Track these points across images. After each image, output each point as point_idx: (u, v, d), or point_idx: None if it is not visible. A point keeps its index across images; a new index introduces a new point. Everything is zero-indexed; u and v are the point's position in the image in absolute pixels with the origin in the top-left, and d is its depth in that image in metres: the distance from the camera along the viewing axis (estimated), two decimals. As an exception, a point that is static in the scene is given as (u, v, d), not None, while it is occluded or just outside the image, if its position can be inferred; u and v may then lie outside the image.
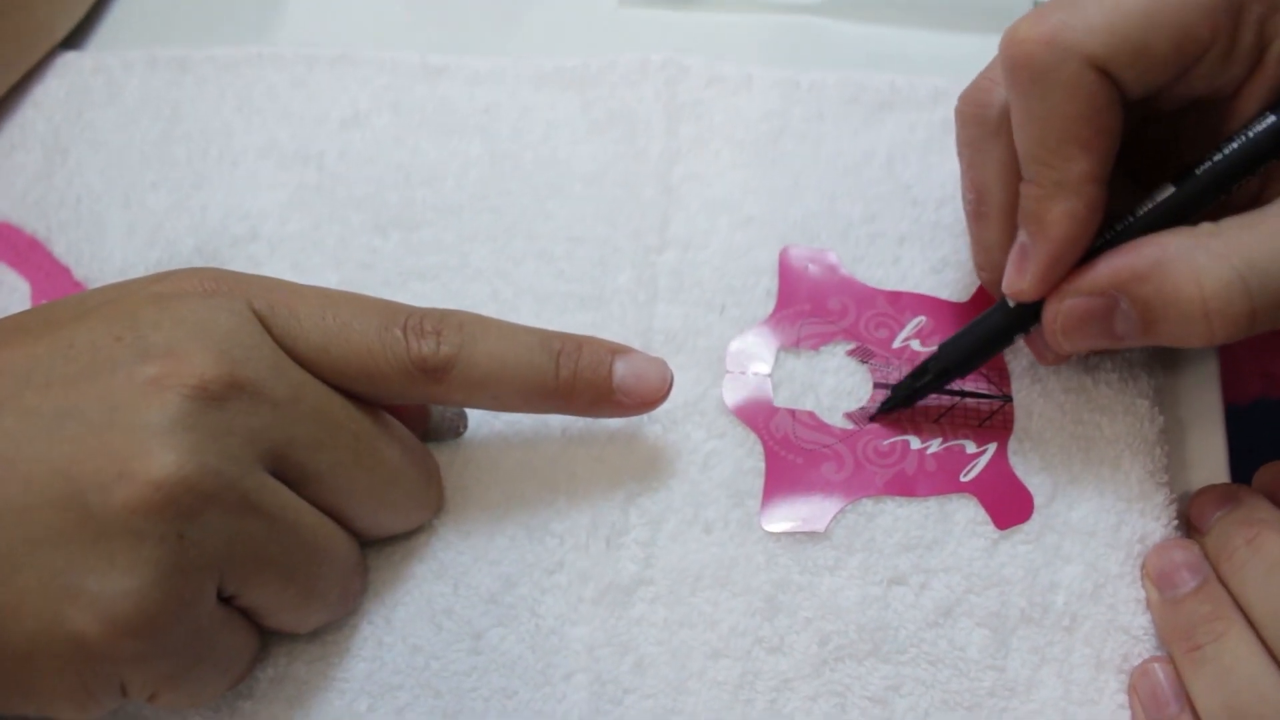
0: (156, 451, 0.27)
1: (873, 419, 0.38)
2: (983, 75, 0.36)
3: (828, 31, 0.47)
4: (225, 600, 0.30)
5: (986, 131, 0.35)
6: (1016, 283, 0.34)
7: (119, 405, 0.28)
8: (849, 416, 0.38)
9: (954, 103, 0.43)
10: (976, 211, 0.36)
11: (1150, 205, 0.33)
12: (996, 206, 0.35)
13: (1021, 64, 0.32)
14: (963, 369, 0.37)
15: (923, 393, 0.37)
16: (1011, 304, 0.35)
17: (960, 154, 0.37)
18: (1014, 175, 0.34)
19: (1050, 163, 0.32)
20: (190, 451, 0.28)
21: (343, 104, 0.44)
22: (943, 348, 0.37)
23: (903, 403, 0.37)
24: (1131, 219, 0.33)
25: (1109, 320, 0.33)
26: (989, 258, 0.36)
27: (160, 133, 0.45)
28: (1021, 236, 0.33)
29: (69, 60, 0.47)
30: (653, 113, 0.43)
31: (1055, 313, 0.33)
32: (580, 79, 0.44)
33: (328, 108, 0.44)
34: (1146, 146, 0.35)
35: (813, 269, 0.40)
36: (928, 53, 0.47)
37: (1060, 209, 0.32)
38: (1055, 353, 0.36)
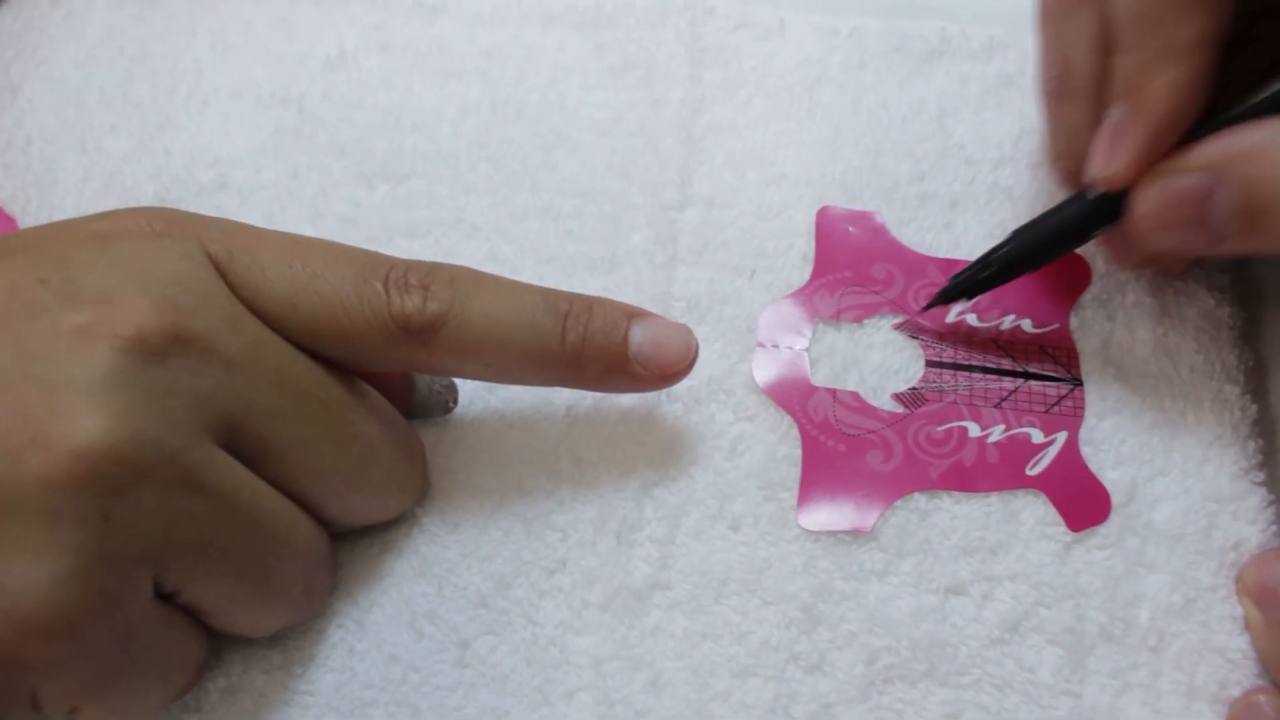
0: (80, 413, 0.23)
1: (924, 309, 0.34)
2: None
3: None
4: (165, 597, 0.26)
5: None
6: (1106, 165, 0.30)
7: (37, 357, 0.24)
8: (898, 398, 0.33)
9: (1011, 55, 0.40)
10: (1060, 89, 0.33)
11: (1263, 95, 0.29)
12: (1084, 81, 0.32)
13: None
14: (1033, 262, 0.33)
15: (986, 285, 0.33)
16: (1093, 194, 0.31)
17: (1042, 25, 0.34)
18: (1105, 46, 0.31)
19: (1158, 23, 0.29)
20: (121, 414, 0.24)
21: (327, 43, 0.40)
22: (1015, 234, 0.33)
23: (962, 293, 0.33)
24: (1238, 108, 0.30)
25: (1205, 207, 0.29)
26: (1071, 143, 0.33)
27: (123, 71, 0.40)
28: (1113, 115, 0.30)
29: (24, -8, 0.42)
30: (674, 57, 0.39)
31: (1145, 197, 0.30)
32: (593, 20, 0.40)
33: (310, 47, 0.40)
34: (1255, 47, 0.32)
35: (854, 232, 0.36)
36: (973, 5, 0.42)
37: (1165, 79, 0.29)
38: (1139, 253, 0.33)
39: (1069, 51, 0.32)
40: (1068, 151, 0.33)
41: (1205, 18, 0.29)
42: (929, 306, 0.34)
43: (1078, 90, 0.32)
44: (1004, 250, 0.33)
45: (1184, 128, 0.30)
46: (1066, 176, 0.34)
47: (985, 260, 0.33)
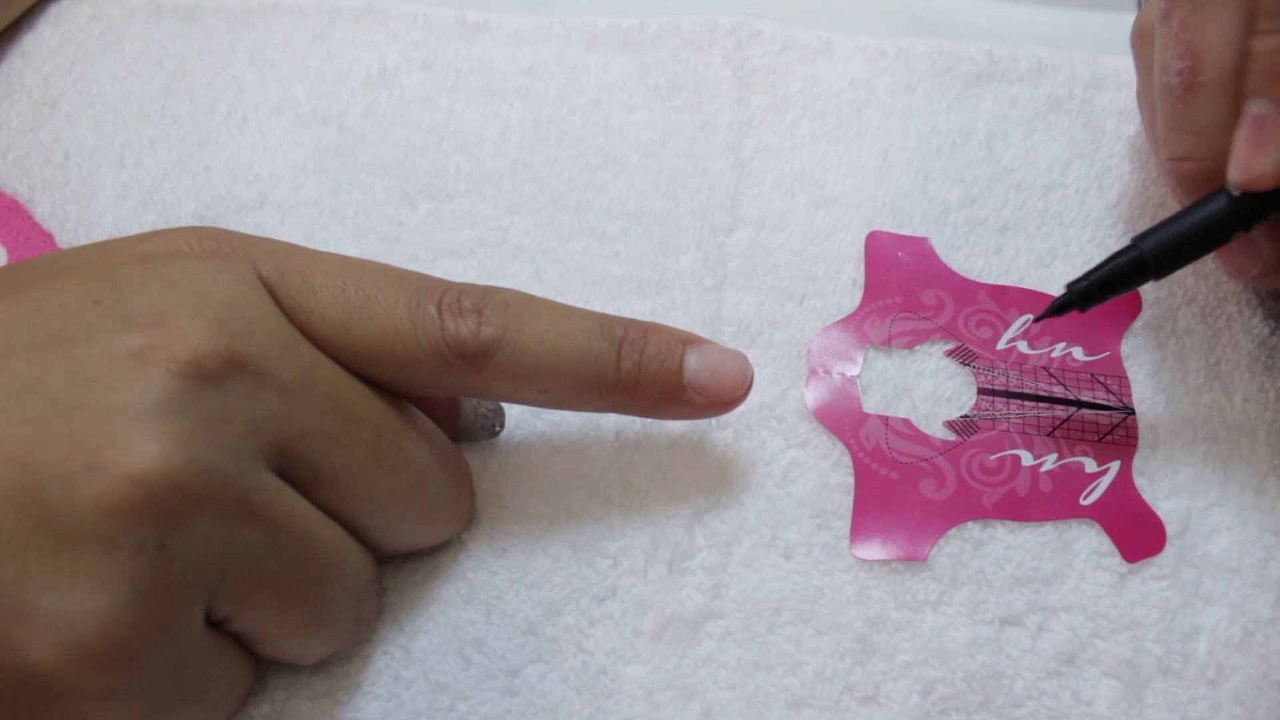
0: (136, 439, 0.23)
1: (1037, 319, 0.32)
2: None
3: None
4: (215, 624, 0.25)
5: None
6: (1256, 163, 0.29)
7: (92, 381, 0.23)
8: (950, 426, 0.33)
9: (1060, 78, 0.39)
10: (1190, 83, 0.31)
11: None
12: (1221, 73, 0.30)
13: None
14: (1167, 265, 0.30)
15: (1109, 293, 0.31)
16: (1236, 192, 0.29)
17: (1168, 16, 0.31)
18: (1246, 34, 0.29)
19: None
20: (178, 441, 0.23)
21: (368, 61, 0.40)
22: (1138, 239, 0.30)
23: (1079, 303, 0.31)
24: None
25: None
26: (1201, 142, 0.31)
27: (161, 87, 0.40)
28: (1257, 107, 0.29)
29: (63, 7, 0.42)
30: (721, 79, 0.39)
31: None
32: (638, 40, 0.40)
33: (351, 64, 0.40)
34: None
35: (903, 257, 0.35)
36: (1020, 28, 0.42)
37: None
38: (1266, 261, 0.31)
39: (1203, 40, 0.30)
40: (1197, 149, 0.31)
41: None
42: (1043, 316, 0.32)
43: (1211, 83, 0.30)
44: (1130, 255, 0.30)
45: None
46: (1185, 179, 0.32)
47: (1112, 261, 0.31)
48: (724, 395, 0.29)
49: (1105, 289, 0.31)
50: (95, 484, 0.22)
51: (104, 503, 0.22)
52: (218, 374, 0.24)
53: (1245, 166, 0.29)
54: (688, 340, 0.30)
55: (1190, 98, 0.31)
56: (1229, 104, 0.30)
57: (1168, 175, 0.33)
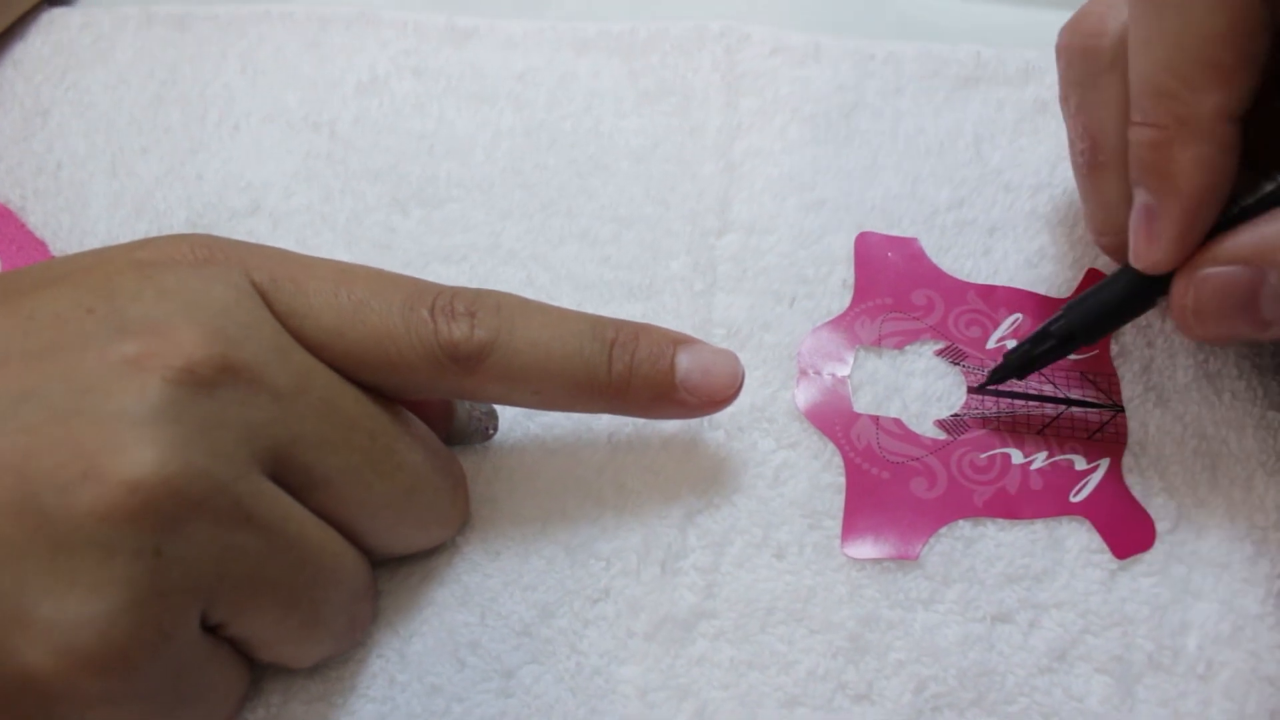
0: (132, 446, 0.23)
1: (979, 389, 0.33)
2: (1092, 1, 0.32)
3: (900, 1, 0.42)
4: (211, 629, 0.26)
5: (1100, 65, 0.31)
6: (1147, 253, 0.29)
7: (88, 389, 0.23)
8: (941, 425, 0.33)
9: (1047, 80, 0.39)
10: (1091, 163, 0.32)
11: None
12: (1116, 154, 0.30)
13: None
14: (1090, 335, 0.31)
15: (1041, 361, 0.32)
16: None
17: (1066, 96, 0.32)
18: (1126, 121, 0.29)
19: (1178, 94, 0.27)
20: (173, 447, 0.23)
21: (359, 68, 0.40)
22: (1067, 309, 0.31)
23: (1016, 372, 0.32)
24: (1276, 183, 0.28)
25: (1254, 300, 0.28)
26: (1109, 217, 0.31)
27: (153, 95, 0.40)
28: (1142, 196, 0.29)
29: (54, 16, 0.43)
30: (710, 83, 0.39)
31: (1186, 287, 0.29)
32: (627, 45, 0.40)
33: (342, 71, 0.40)
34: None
35: (893, 258, 0.35)
36: (1009, 29, 0.42)
37: (1189, 155, 0.27)
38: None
39: (1098, 121, 0.31)
40: (1108, 226, 0.32)
41: (1231, 91, 0.27)
42: (983, 387, 0.33)
43: (1110, 163, 0.31)
44: (1059, 324, 0.31)
45: (1218, 205, 0.28)
46: (1110, 250, 0.33)
47: (1042, 333, 0.32)
48: (716, 394, 0.30)
49: (1038, 361, 0.32)
50: (92, 491, 0.22)
51: (100, 509, 0.22)
52: (212, 380, 0.24)
53: (1139, 256, 0.29)
54: (679, 340, 0.30)
55: (1095, 175, 0.31)
56: (1129, 183, 0.30)
57: (1095, 242, 0.33)
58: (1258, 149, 0.28)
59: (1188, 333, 0.29)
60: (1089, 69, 0.31)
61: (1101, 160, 0.31)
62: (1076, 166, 0.33)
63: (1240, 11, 0.26)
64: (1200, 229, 0.28)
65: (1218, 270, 0.28)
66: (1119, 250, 0.31)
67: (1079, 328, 0.31)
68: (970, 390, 0.33)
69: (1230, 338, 0.29)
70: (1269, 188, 0.28)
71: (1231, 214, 0.28)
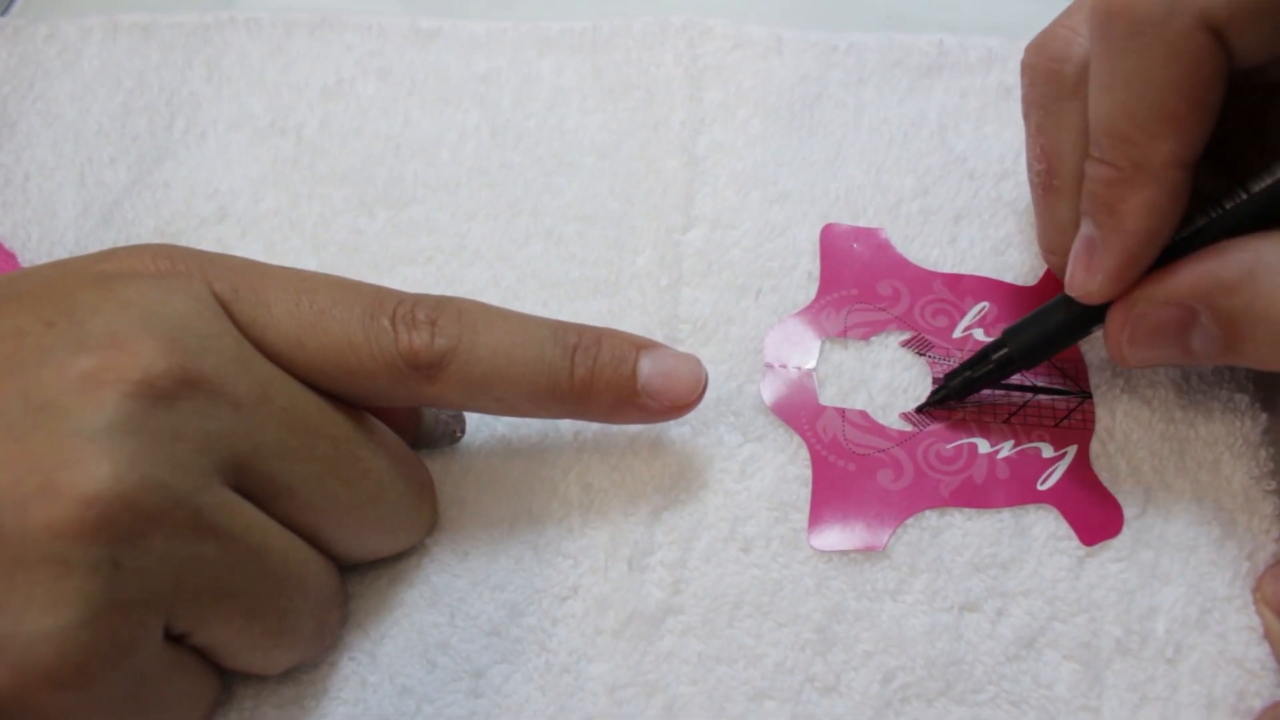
0: (89, 460, 0.23)
1: (919, 410, 0.33)
2: (1059, 22, 0.31)
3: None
4: (176, 639, 0.26)
5: (1062, 91, 0.31)
6: (1084, 283, 0.29)
7: (45, 404, 0.23)
8: (906, 417, 0.33)
9: (1010, 66, 0.39)
10: (1046, 184, 0.32)
11: (1240, 200, 0.28)
12: (1071, 180, 0.31)
13: (1119, 13, 0.27)
14: (1028, 360, 0.32)
15: (979, 384, 0.32)
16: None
17: (1027, 115, 0.32)
18: (1084, 151, 0.29)
19: (1133, 139, 0.27)
20: (130, 461, 0.23)
21: (324, 71, 0.40)
22: (1007, 334, 0.32)
23: (955, 394, 0.33)
24: (1216, 215, 0.28)
25: (1185, 335, 0.28)
26: (1060, 239, 0.32)
27: (120, 104, 0.40)
28: (1087, 228, 0.29)
29: (19, 27, 0.42)
30: (673, 78, 0.39)
31: (1123, 321, 0.29)
32: (590, 42, 0.40)
33: (307, 76, 0.40)
34: (1236, 125, 0.30)
35: (859, 249, 0.36)
36: (971, 16, 0.42)
37: (1139, 198, 0.27)
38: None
39: (1056, 146, 0.31)
40: (1057, 246, 0.32)
41: (1183, 138, 0.27)
42: (924, 408, 0.33)
43: (1065, 188, 0.31)
44: (1000, 353, 0.32)
45: (1160, 246, 0.28)
46: (1057, 269, 0.33)
47: (981, 356, 0.32)
48: (678, 399, 0.30)
49: (978, 384, 0.32)
50: (47, 506, 0.22)
51: (56, 525, 0.22)
52: (170, 393, 0.24)
53: (1075, 284, 0.29)
54: (641, 345, 0.30)
55: (1049, 197, 0.32)
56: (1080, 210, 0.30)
57: (1044, 259, 0.34)
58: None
59: (1120, 361, 0.30)
60: (1052, 93, 0.31)
61: (1056, 185, 0.31)
62: (1032, 184, 0.33)
63: (1196, 60, 0.26)
64: (1139, 267, 0.28)
65: (1151, 308, 0.28)
66: (1065, 271, 0.31)
67: (1017, 354, 0.31)
68: (916, 410, 0.33)
69: (1160, 364, 0.30)
70: (1201, 223, 0.28)
71: (1174, 244, 0.28)
